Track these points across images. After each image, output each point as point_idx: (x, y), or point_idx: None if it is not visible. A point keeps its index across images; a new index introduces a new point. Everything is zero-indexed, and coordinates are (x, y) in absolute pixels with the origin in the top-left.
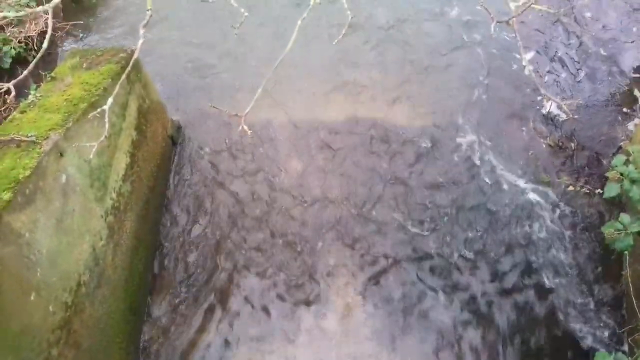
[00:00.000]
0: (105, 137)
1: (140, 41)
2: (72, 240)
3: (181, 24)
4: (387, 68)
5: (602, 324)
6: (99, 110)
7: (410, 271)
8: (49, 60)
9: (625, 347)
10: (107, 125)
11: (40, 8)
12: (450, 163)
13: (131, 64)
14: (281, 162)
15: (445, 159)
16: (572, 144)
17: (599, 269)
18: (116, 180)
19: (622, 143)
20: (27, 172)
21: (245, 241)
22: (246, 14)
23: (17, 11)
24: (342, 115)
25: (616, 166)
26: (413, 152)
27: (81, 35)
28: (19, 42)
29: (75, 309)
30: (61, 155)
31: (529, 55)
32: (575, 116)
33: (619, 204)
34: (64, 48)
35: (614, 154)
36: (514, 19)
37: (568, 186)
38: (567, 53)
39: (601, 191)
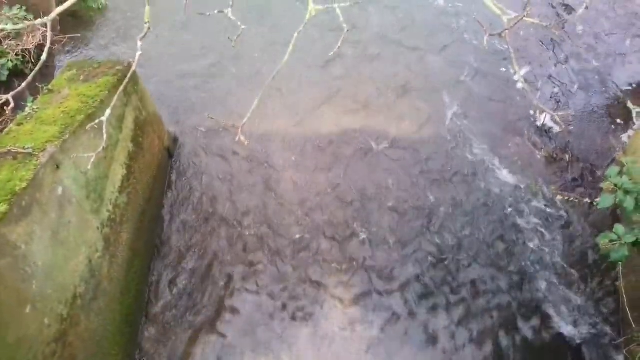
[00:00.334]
0: (103, 148)
1: (138, 53)
2: (68, 252)
3: (179, 37)
4: (382, 79)
5: (597, 335)
6: (97, 121)
7: (406, 279)
8: (46, 73)
9: (621, 358)
10: (105, 136)
11: (39, 21)
12: (446, 172)
13: (129, 75)
14: (278, 174)
15: (441, 168)
16: (567, 156)
17: (594, 280)
18: (112, 192)
19: (616, 154)
20: (24, 184)
21: (242, 253)
22: (243, 27)
23: (15, 24)
24: (336, 126)
25: (610, 177)
26: (406, 162)
27: (78, 48)
28: (16, 54)
29: (71, 321)
30: (58, 167)
31: (523, 67)
32: (570, 128)
33: (614, 215)
34: (61, 61)
35: (608, 165)
36: (507, 31)
37: (562, 197)
38: (561, 65)
39: (596, 202)
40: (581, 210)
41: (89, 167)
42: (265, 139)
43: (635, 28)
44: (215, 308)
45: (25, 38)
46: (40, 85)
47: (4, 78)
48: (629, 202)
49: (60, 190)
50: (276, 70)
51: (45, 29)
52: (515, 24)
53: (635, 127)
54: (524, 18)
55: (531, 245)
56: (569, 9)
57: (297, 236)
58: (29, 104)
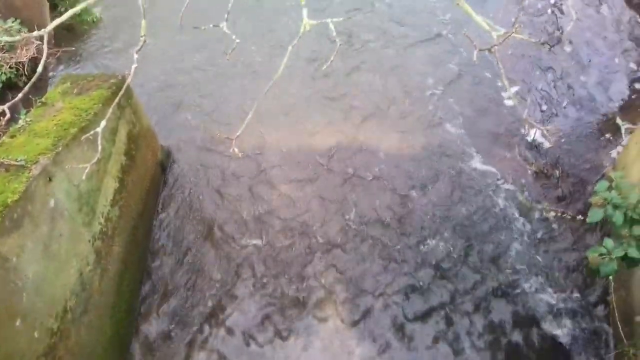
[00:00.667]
0: (98, 159)
1: (134, 66)
2: (59, 265)
3: (174, 50)
4: (374, 91)
5: (588, 350)
6: (91, 132)
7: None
8: (40, 86)
9: None
10: (99, 147)
11: (35, 33)
12: (438, 185)
13: (124, 87)
14: (270, 189)
15: (432, 182)
16: (557, 171)
17: (585, 295)
18: (105, 205)
19: (605, 170)
20: (16, 197)
21: (234, 268)
22: (238, 40)
23: (11, 36)
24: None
25: (599, 192)
26: (399, 175)
27: (72, 61)
28: (10, 67)
29: (61, 335)
30: (50, 179)
31: (513, 83)
32: (560, 143)
33: (603, 229)
34: (54, 74)
35: (597, 181)
36: (496, 47)
37: (554, 213)
38: (551, 81)
39: (581, 217)
40: (573, 225)
41: (84, 177)
42: (257, 152)
43: (623, 46)
44: (206, 323)
45: (19, 51)
46: (33, 98)
47: None
48: (618, 217)
49: (52, 202)
50: (270, 83)
51: (39, 41)
52: (504, 39)
53: (624, 142)
54: (513, 34)
55: (521, 259)
56: (560, 26)
57: (290, 251)
58: (22, 117)
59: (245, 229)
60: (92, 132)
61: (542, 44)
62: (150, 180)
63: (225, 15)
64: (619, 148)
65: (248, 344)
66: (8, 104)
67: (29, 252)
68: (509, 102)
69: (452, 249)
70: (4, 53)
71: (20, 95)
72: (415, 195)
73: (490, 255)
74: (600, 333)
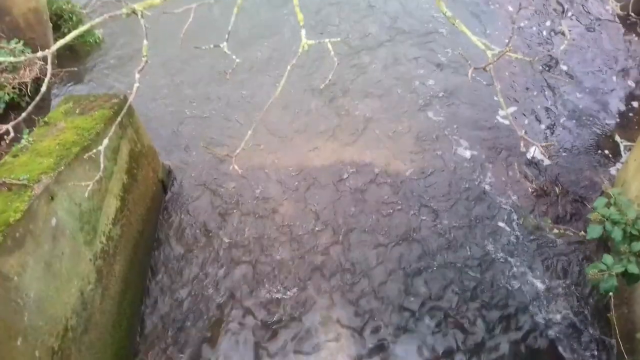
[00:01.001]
0: (101, 176)
1: (136, 85)
2: (60, 284)
3: (175, 69)
4: (372, 111)
5: None
6: (94, 151)
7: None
8: (42, 106)
9: None
10: (102, 165)
11: (39, 53)
12: (436, 204)
13: (125, 108)
14: (270, 208)
15: (431, 200)
16: (557, 188)
17: (586, 311)
18: (106, 224)
19: (603, 186)
20: (18, 215)
21: (234, 288)
22: (238, 60)
23: (15, 56)
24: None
25: (597, 208)
26: (393, 194)
27: (74, 81)
28: (13, 88)
29: (62, 354)
30: (52, 198)
31: (511, 100)
32: (559, 160)
33: (604, 246)
34: (57, 94)
35: (597, 198)
36: (491, 65)
37: (557, 231)
38: (550, 100)
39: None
40: (573, 242)
41: (87, 195)
42: (257, 171)
43: (620, 64)
44: (207, 343)
45: (22, 71)
46: (36, 118)
47: (0, 111)
48: (617, 233)
49: (54, 221)
50: (269, 101)
51: (42, 62)
52: (498, 58)
53: (623, 159)
54: (507, 53)
55: (521, 277)
56: (555, 45)
57: (290, 272)
58: (25, 136)
59: (246, 247)
60: (94, 151)
61: (532, 61)
62: (151, 198)
63: (226, 36)
64: (618, 165)
65: None
66: (12, 123)
67: (30, 271)
68: (505, 120)
69: (453, 270)
70: (7, 74)
71: (24, 114)
72: (416, 214)
73: (489, 271)
74: (601, 350)
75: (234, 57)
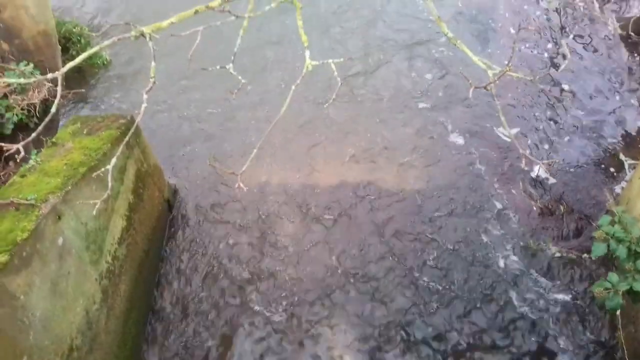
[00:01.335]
0: (108, 194)
1: (144, 105)
2: (66, 303)
3: (181, 89)
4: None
5: None
6: (102, 170)
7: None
8: (50, 126)
9: None
10: (110, 184)
11: (49, 75)
12: (443, 223)
13: (134, 127)
14: (276, 228)
15: (436, 219)
16: (562, 207)
17: (592, 330)
18: (112, 244)
19: (608, 204)
20: (25, 235)
21: (240, 308)
22: (243, 81)
23: (26, 78)
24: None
25: (602, 226)
26: (399, 213)
27: (82, 102)
28: (22, 109)
29: None
30: (59, 218)
31: (514, 121)
32: (565, 178)
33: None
34: (64, 114)
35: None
36: (492, 84)
37: (561, 253)
38: (554, 119)
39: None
40: (579, 260)
41: (94, 213)
42: (262, 189)
43: (623, 83)
44: None
45: (30, 93)
46: (44, 138)
47: (8, 132)
48: (622, 251)
49: (60, 241)
50: (275, 120)
51: (51, 83)
52: (499, 77)
53: (627, 177)
54: (508, 72)
55: (527, 297)
56: (557, 65)
57: (294, 294)
58: (33, 156)
59: (252, 266)
60: (102, 170)
61: (533, 80)
62: (157, 218)
63: (232, 57)
64: (623, 183)
65: None
66: (22, 143)
67: (37, 290)
68: (506, 139)
69: (458, 290)
70: (16, 95)
71: (34, 134)
72: (420, 233)
73: (494, 290)
74: None
75: (239, 77)
